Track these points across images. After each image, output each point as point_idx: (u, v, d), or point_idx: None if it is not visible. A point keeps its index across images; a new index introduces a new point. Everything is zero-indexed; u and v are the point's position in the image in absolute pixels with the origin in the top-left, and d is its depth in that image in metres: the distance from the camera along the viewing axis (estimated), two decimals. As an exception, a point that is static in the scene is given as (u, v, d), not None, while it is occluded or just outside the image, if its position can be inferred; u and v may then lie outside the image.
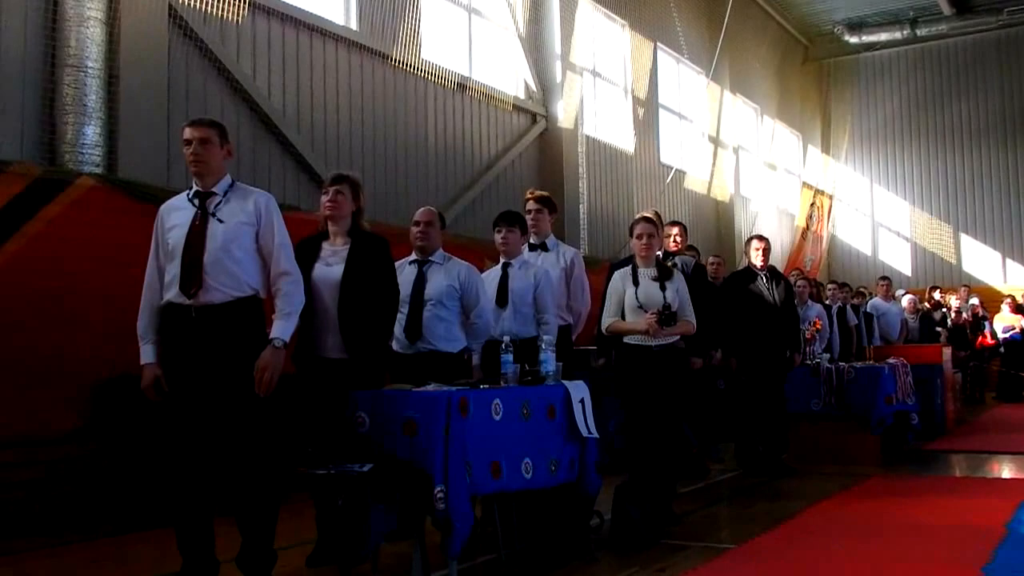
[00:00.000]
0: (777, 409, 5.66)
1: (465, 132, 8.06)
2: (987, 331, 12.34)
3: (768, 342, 5.61)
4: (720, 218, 12.91)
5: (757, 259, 5.78)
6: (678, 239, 5.27)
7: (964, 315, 12.03)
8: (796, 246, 14.60)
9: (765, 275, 5.79)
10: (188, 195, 2.80)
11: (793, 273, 8.07)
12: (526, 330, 4.15)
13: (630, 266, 4.35)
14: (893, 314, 9.62)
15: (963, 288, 12.97)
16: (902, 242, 16.52)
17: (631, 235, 4.35)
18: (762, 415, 5.62)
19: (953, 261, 15.27)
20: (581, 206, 9.79)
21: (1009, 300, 12.69)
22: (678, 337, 4.25)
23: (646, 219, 4.39)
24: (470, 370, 3.89)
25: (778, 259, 14.81)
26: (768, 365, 5.60)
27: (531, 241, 4.68)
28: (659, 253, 4.92)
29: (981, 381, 12.31)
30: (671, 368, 4.19)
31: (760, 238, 5.87)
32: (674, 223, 5.13)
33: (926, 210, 15.52)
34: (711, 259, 6.97)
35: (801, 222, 14.66)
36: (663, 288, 4.21)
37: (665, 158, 11.63)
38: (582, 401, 3.58)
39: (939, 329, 10.83)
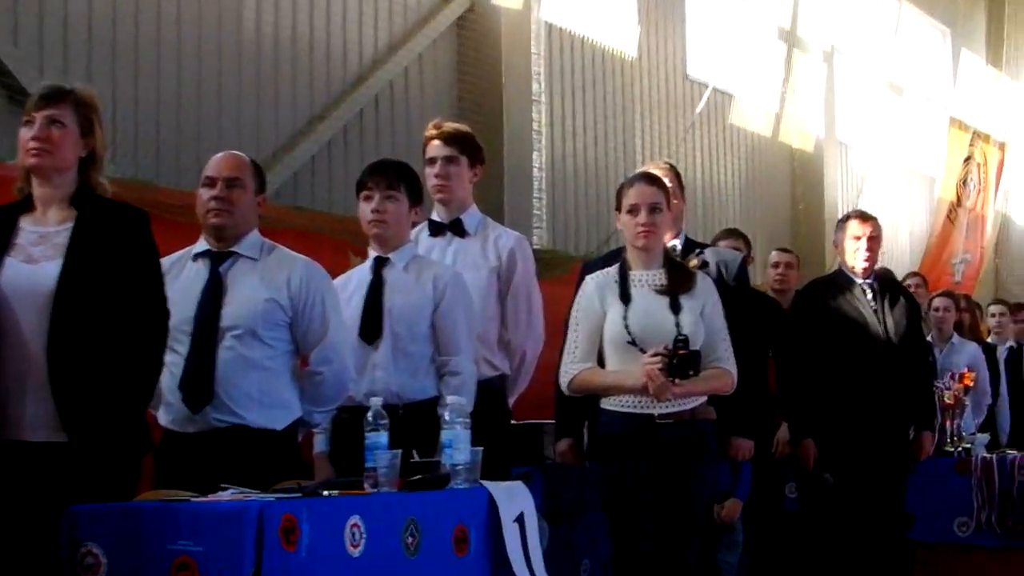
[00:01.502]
0: (892, 534, 5.87)
1: (322, 17, 8.21)
2: None
3: (875, 411, 5.85)
4: (797, 181, 13.31)
5: (858, 257, 6.01)
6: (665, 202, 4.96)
7: None
8: (938, 236, 15.09)
9: (871, 287, 6.02)
10: None
11: (915, 287, 8.30)
12: (416, 386, 4.24)
13: (616, 267, 4.49)
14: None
15: None
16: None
17: (619, 207, 4.49)
18: (866, 545, 5.81)
19: None
20: (536, 154, 9.94)
21: None
22: (704, 400, 4.41)
23: (648, 178, 4.54)
24: (304, 462, 3.99)
25: (903, 259, 15.30)
26: (875, 454, 5.82)
27: (433, 218, 4.80)
28: (674, 243, 5.09)
29: None
30: (692, 457, 4.34)
31: (864, 218, 6.11)
32: (665, 167, 5.13)
33: None
34: (775, 256, 7.25)
35: (948, 192, 15.27)
36: (676, 307, 4.36)
37: (695, 70, 11.94)
38: (520, 521, 3.68)
39: None
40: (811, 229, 12.90)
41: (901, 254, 15.25)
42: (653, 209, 4.38)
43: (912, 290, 7.13)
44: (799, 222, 13.05)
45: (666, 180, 4.74)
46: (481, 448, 3.73)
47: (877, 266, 6.20)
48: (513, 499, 3.71)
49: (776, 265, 7.17)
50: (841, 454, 5.79)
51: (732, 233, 6.68)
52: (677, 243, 5.13)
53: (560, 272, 7.55)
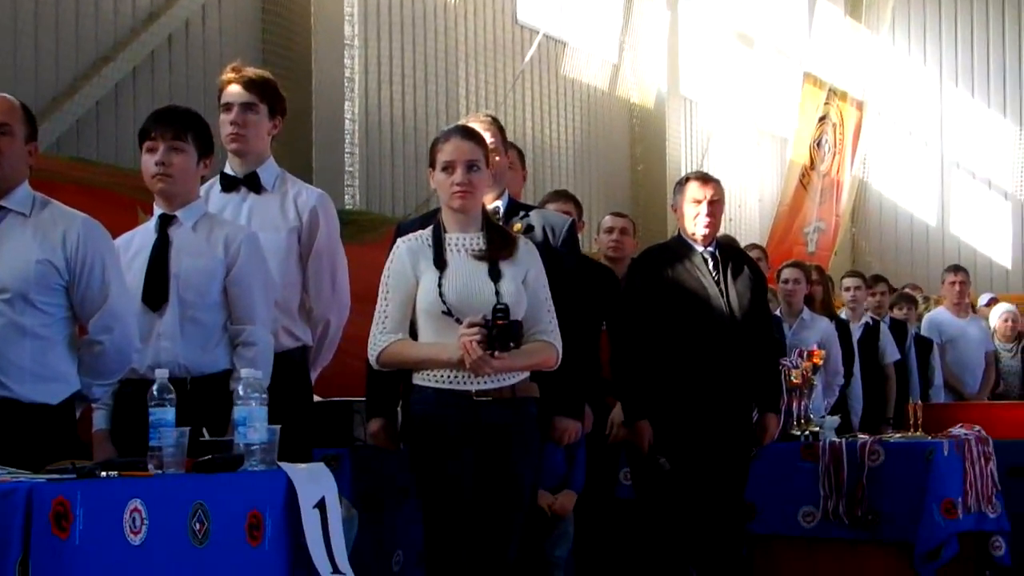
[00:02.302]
0: (731, 525, 6.11)
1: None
2: None
3: (715, 390, 6.04)
4: (636, 140, 13.62)
5: (698, 223, 6.20)
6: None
7: None
8: (790, 202, 15.46)
9: (712, 255, 6.23)
10: None
11: (756, 260, 8.62)
12: (206, 357, 4.29)
13: (430, 229, 4.60)
14: (971, 341, 10.70)
15: None
16: (1000, 201, 18.08)
17: (433, 164, 4.60)
18: (702, 536, 6.05)
19: None
20: (348, 104, 9.95)
21: None
22: (526, 376, 4.56)
23: (465, 132, 4.66)
24: (81, 441, 4.01)
25: (751, 227, 15.74)
26: (715, 437, 6.03)
27: (226, 171, 4.84)
28: (496, 204, 5.21)
29: None
30: (513, 441, 4.50)
31: (705, 180, 6.29)
32: (486, 120, 5.24)
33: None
34: (609, 221, 7.45)
35: (801, 155, 15.66)
36: (496, 274, 4.49)
37: (525, 14, 12.15)
38: (321, 507, 3.77)
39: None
40: (651, 192, 13.13)
41: (749, 221, 15.64)
42: (470, 167, 4.48)
43: None
44: (638, 184, 13.28)
45: (487, 135, 4.84)
46: (279, 427, 3.78)
47: (720, 233, 6.40)
48: (314, 483, 3.77)
49: (610, 231, 7.30)
50: (678, 437, 5.96)
51: (561, 195, 6.72)
52: (499, 204, 5.19)
53: (374, 236, 7.62)
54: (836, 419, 7.54)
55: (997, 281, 17.29)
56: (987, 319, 11.52)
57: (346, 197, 9.96)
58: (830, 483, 6.78)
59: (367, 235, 7.92)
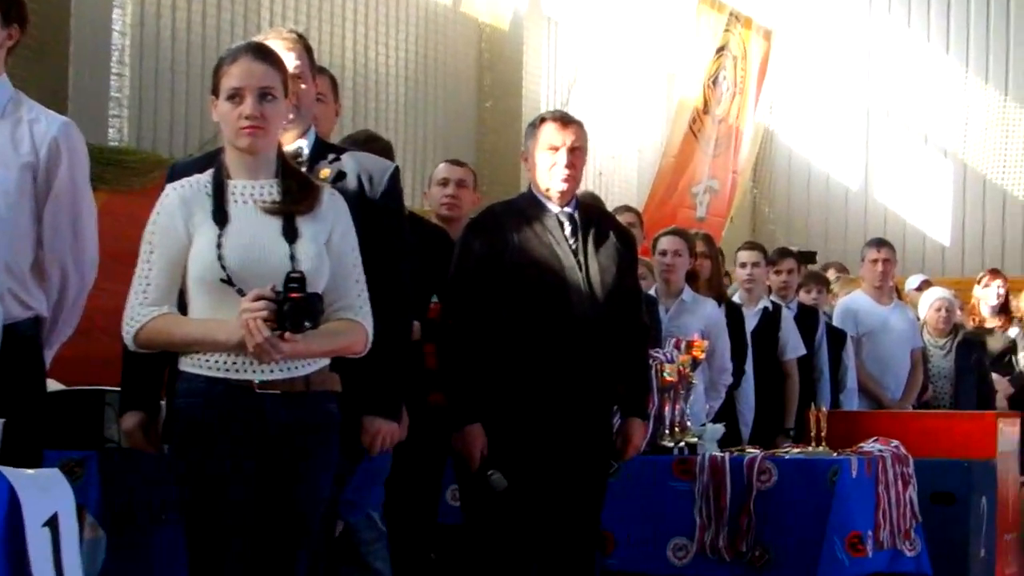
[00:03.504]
0: (581, 559, 6.15)
1: None
2: None
3: (566, 388, 6.06)
4: (486, 69, 13.64)
5: (554, 176, 6.22)
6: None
7: None
8: (677, 154, 15.47)
9: (570, 218, 6.27)
10: None
11: (629, 223, 8.68)
12: None
13: (209, 174, 4.59)
14: (895, 334, 10.85)
15: None
16: (938, 160, 18.60)
17: (216, 90, 4.58)
18: (545, 572, 6.12)
19: None
20: (117, 12, 9.79)
21: None
22: (325, 364, 4.58)
23: (258, 52, 4.63)
24: None
25: (627, 184, 15.82)
26: (563, 448, 6.05)
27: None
28: (299, 144, 5.17)
29: None
30: (306, 446, 4.51)
31: (565, 121, 6.30)
32: (290, 37, 5.24)
33: (1009, 94, 17.73)
34: (444, 171, 7.50)
35: (693, 94, 15.63)
36: (291, 233, 4.50)
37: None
38: (53, 524, 3.75)
39: (1001, 377, 12.30)
40: (501, 136, 13.12)
41: (624, 177, 15.73)
42: (263, 96, 4.46)
43: None
44: (485, 125, 13.28)
45: (289, 56, 4.86)
46: (2, 420, 3.74)
47: (583, 190, 6.44)
48: (45, 494, 3.74)
49: (444, 183, 7.31)
50: (517, 447, 5.97)
51: (369, 140, 6.69)
52: (303, 145, 5.19)
53: (144, 180, 7.56)
54: (720, 428, 7.67)
55: (931, 260, 17.71)
56: (916, 308, 11.77)
57: (110, 131, 9.83)
58: (709, 509, 6.87)
59: (135, 179, 7.84)
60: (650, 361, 6.88)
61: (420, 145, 12.39)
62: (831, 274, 12.39)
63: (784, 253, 10.48)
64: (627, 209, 9.37)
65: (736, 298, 9.64)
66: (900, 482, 7.42)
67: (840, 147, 18.25)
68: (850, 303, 11.07)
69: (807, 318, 10.03)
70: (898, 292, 11.92)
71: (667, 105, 16.28)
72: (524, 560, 6.01)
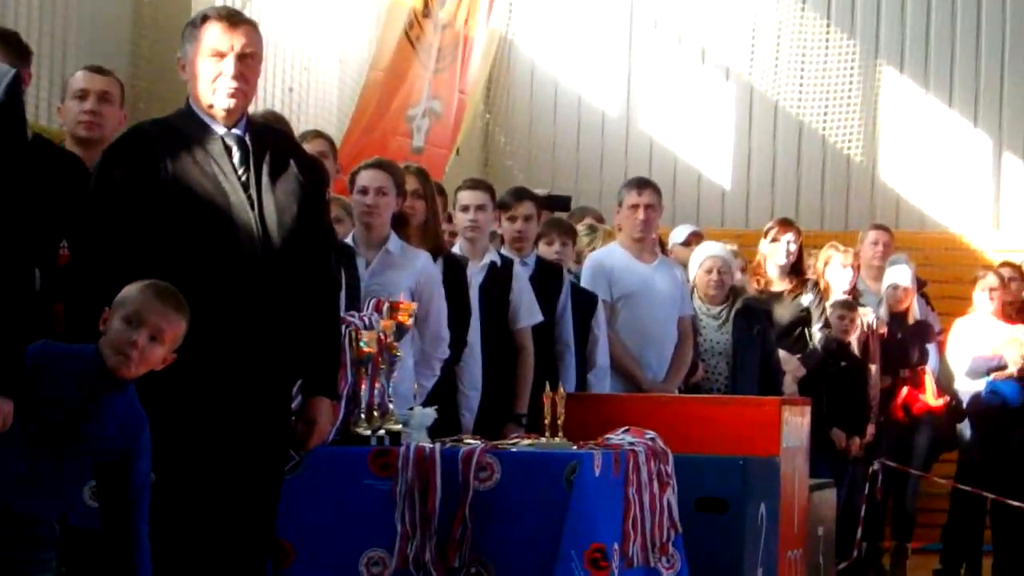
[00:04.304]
0: (251, 573, 6.22)
1: None
2: (930, 369, 15.06)
3: (230, 359, 6.12)
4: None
5: (218, 88, 6.23)
6: None
7: (870, 320, 14.35)
8: (387, 67, 15.48)
9: (240, 142, 6.28)
10: None
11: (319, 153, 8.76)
12: None
13: None
14: (658, 299, 11.04)
15: (876, 237, 15.46)
16: (718, 82, 18.92)
17: None
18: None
19: (860, 159, 18.38)
20: None
21: (997, 280, 15.45)
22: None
23: None
24: None
25: (323, 105, 15.79)
26: (228, 435, 6.11)
27: None
28: None
29: (903, 517, 15.36)
30: None
31: (234, 20, 6.33)
32: None
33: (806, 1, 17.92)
34: (82, 79, 7.43)
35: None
36: None
37: None
38: None
39: (789, 355, 12.75)
40: (165, 39, 13.05)
41: (321, 94, 15.73)
42: None
43: None
44: (144, 25, 13.17)
45: None
46: None
47: (264, 109, 6.41)
48: None
49: (82, 95, 7.29)
50: (167, 431, 5.90)
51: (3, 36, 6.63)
52: None
53: None
54: (432, 412, 7.72)
55: (707, 208, 18.11)
56: (685, 266, 11.99)
57: None
58: (413, 514, 6.90)
59: None
60: (343, 326, 6.88)
61: (59, 48, 12.23)
62: (586, 222, 12.45)
63: (520, 195, 10.54)
64: (317, 135, 9.30)
65: (457, 250, 9.65)
66: (656, 483, 7.52)
67: (596, 63, 18.39)
68: (603, 259, 11.22)
69: (548, 277, 10.15)
70: (662, 246, 12.05)
71: (376, 6, 16.23)
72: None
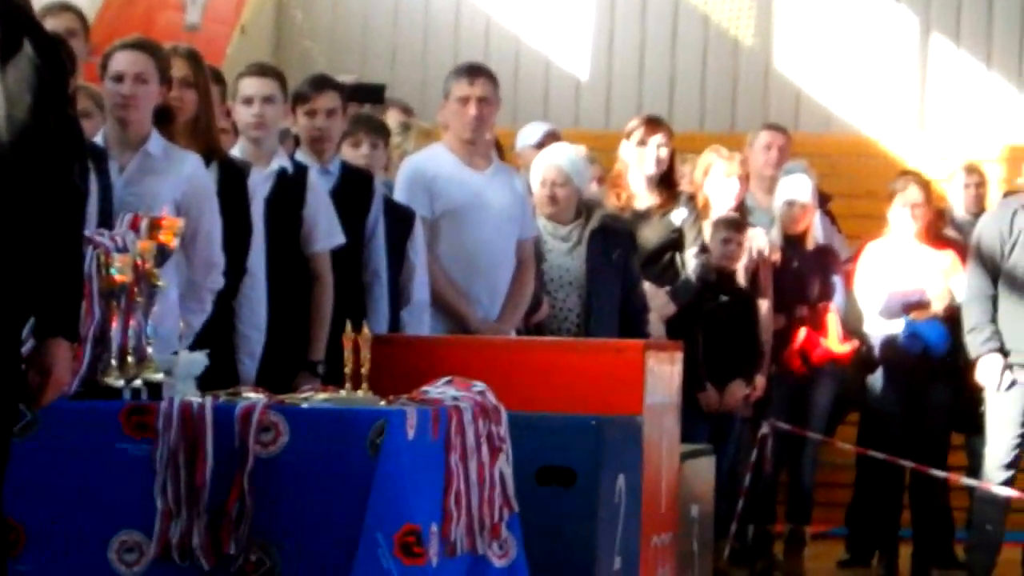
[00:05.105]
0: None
1: None
2: (834, 307, 15.36)
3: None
4: None
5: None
6: None
7: (760, 244, 14.75)
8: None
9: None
10: None
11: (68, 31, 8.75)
12: None
13: None
14: (492, 213, 11.20)
15: (768, 140, 15.99)
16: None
17: None
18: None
19: (751, 42, 18.84)
20: None
21: (921, 193, 15.69)
22: None
23: None
24: None
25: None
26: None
27: None
28: None
29: (800, 494, 15.61)
30: None
31: None
32: None
33: None
34: None
35: None
36: None
37: None
38: None
39: (656, 288, 12.86)
40: None
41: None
42: None
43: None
44: None
45: None
46: None
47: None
48: None
49: None
50: None
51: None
52: None
53: None
54: (202, 358, 7.72)
55: (557, 102, 18.31)
56: (529, 173, 12.10)
57: None
58: (178, 487, 6.92)
59: None
60: (88, 248, 6.86)
61: None
62: (395, 118, 12.53)
63: (320, 83, 10.60)
64: (64, 8, 9.29)
65: (237, 153, 9.68)
66: (486, 449, 7.56)
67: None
68: (423, 165, 11.26)
69: (354, 188, 10.22)
70: (499, 149, 12.11)
71: None
72: None
